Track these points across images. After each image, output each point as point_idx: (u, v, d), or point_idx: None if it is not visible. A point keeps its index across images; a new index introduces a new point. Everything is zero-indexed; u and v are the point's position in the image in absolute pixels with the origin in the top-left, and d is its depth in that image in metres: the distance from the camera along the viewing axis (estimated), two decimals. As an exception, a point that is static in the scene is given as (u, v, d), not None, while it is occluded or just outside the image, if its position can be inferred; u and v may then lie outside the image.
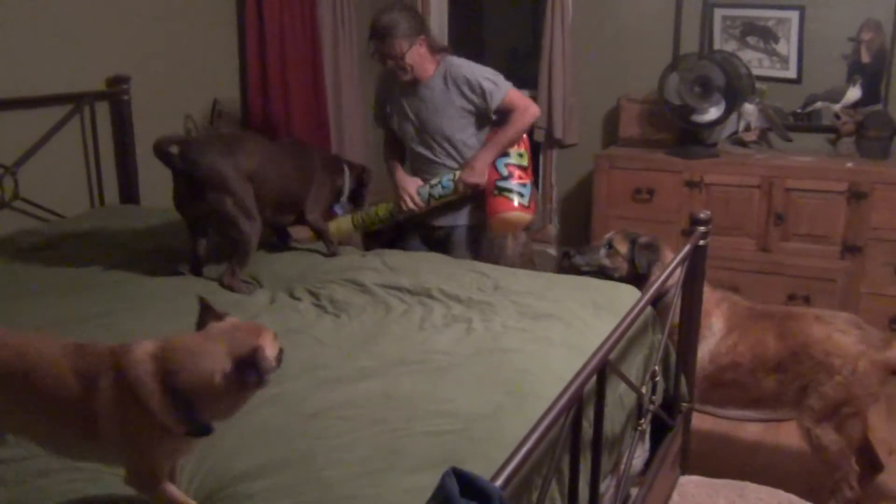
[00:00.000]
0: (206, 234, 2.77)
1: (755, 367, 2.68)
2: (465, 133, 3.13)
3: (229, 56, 4.23)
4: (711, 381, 2.75)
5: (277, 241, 3.10)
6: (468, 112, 3.10)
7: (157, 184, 3.80)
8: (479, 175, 3.08)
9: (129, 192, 3.64)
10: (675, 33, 4.28)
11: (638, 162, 4.07)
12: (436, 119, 3.11)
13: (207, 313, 1.43)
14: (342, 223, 3.31)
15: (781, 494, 2.68)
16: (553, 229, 4.70)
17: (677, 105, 3.99)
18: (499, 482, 1.21)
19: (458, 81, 3.07)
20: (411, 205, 3.15)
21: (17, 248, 2.91)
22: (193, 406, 1.30)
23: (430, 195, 3.15)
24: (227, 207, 2.63)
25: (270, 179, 2.80)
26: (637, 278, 2.82)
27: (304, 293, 2.61)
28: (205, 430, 1.34)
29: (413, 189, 3.16)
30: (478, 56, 3.87)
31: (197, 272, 2.77)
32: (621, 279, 2.83)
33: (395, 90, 3.17)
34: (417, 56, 3.02)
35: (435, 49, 3.10)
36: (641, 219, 4.03)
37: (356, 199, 3.33)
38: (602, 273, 2.90)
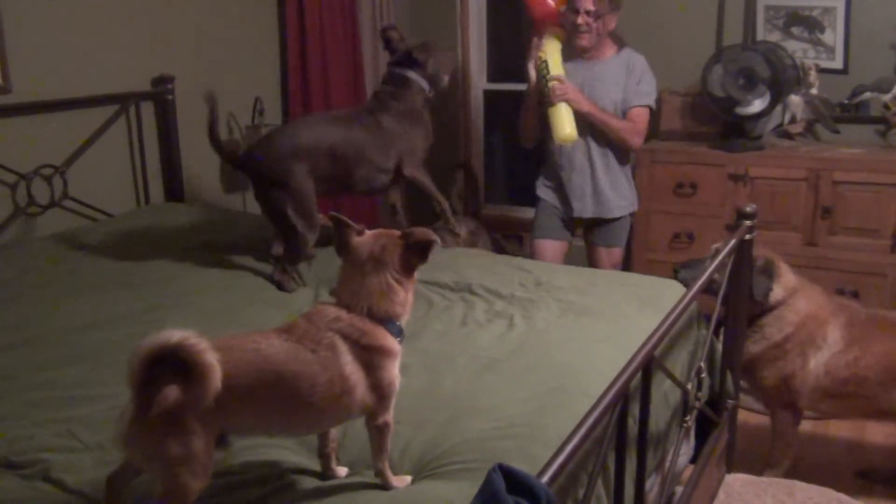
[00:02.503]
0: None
1: (885, 379, 2.56)
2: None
3: (270, 55, 4.27)
4: (825, 392, 2.64)
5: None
6: None
7: (200, 182, 3.87)
8: (565, 91, 3.14)
9: (173, 191, 3.70)
10: (718, 24, 4.21)
11: (680, 155, 4.01)
12: (605, 95, 3.24)
13: (346, 229, 1.53)
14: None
15: (831, 493, 2.62)
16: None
17: (721, 97, 3.92)
18: (545, 479, 1.21)
19: (635, 68, 3.24)
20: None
21: (67, 246, 2.97)
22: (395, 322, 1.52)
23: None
24: (287, 208, 2.64)
25: (340, 161, 2.73)
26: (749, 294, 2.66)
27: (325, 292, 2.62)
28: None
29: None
30: (516, 49, 3.86)
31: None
32: None
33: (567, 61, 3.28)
34: (606, 27, 3.19)
35: (615, 38, 3.27)
36: (684, 213, 3.98)
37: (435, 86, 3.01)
38: (710, 288, 2.59)
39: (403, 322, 1.54)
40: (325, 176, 2.73)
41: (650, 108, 3.28)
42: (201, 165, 3.88)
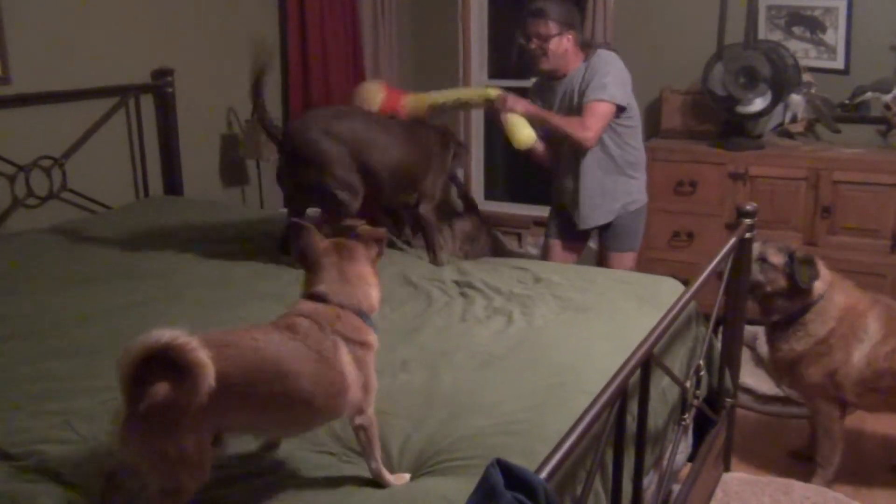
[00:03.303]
0: (301, 214, 2.79)
1: None
2: None
3: (271, 49, 4.25)
4: (867, 385, 2.60)
5: (390, 230, 3.11)
6: None
7: (199, 175, 3.86)
8: (511, 102, 3.02)
9: (172, 184, 3.69)
10: (720, 23, 4.20)
11: (680, 154, 4.01)
12: (570, 110, 3.10)
13: (310, 234, 1.56)
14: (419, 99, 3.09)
15: (827, 493, 2.63)
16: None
17: (722, 96, 3.92)
18: (543, 475, 1.20)
19: (592, 68, 3.06)
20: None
21: (65, 238, 2.96)
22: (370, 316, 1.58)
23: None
24: (329, 183, 2.65)
25: (379, 152, 2.75)
26: (791, 294, 2.63)
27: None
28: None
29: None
30: (519, 48, 3.78)
31: (285, 250, 2.80)
32: (772, 294, 2.64)
33: (542, 88, 3.22)
34: (561, 47, 3.06)
35: (583, 47, 3.13)
36: (684, 212, 3.98)
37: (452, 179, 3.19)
38: (752, 291, 2.65)
39: (374, 315, 1.60)
40: (361, 168, 2.73)
41: (604, 102, 2.99)
42: (200, 159, 3.88)
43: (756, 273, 2.63)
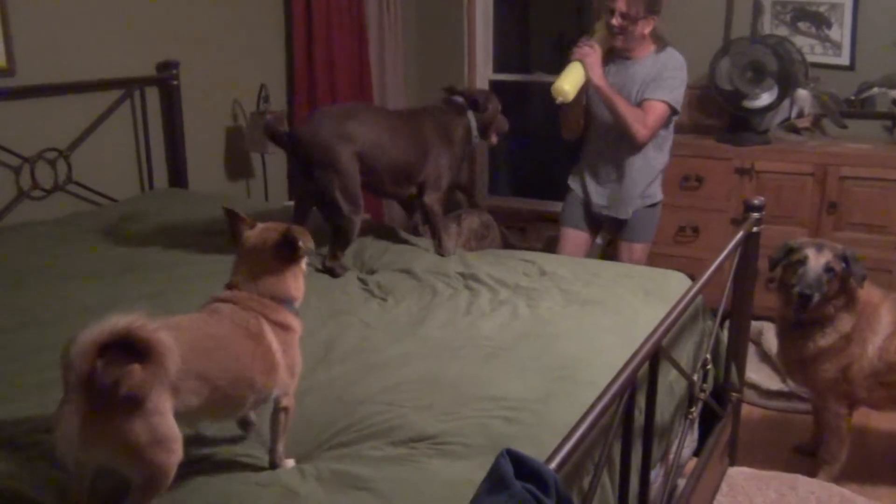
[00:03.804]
0: (305, 220, 2.77)
1: None
2: None
3: (276, 41, 4.25)
4: (878, 378, 2.58)
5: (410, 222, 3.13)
6: None
7: (204, 168, 3.86)
8: (586, 53, 3.04)
9: (177, 176, 3.68)
10: (727, 18, 4.19)
11: (687, 148, 3.99)
12: (634, 95, 3.12)
13: (238, 222, 1.62)
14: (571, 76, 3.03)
15: (833, 488, 2.63)
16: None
17: (728, 90, 3.91)
18: (552, 465, 1.20)
19: (659, 65, 3.11)
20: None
21: (70, 230, 2.96)
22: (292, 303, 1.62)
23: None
24: (333, 188, 2.63)
25: (382, 152, 2.76)
26: (836, 294, 2.57)
27: (352, 276, 2.62)
28: None
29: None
30: (523, 42, 3.75)
31: None
32: (823, 301, 2.56)
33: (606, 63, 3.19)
34: (640, 29, 3.09)
35: (656, 38, 3.17)
36: (689, 207, 3.97)
37: (484, 134, 3.12)
38: (820, 304, 2.55)
39: (297, 304, 1.63)
40: (365, 168, 2.72)
41: (667, 105, 3.08)
42: (205, 151, 3.87)
43: (823, 285, 2.53)
